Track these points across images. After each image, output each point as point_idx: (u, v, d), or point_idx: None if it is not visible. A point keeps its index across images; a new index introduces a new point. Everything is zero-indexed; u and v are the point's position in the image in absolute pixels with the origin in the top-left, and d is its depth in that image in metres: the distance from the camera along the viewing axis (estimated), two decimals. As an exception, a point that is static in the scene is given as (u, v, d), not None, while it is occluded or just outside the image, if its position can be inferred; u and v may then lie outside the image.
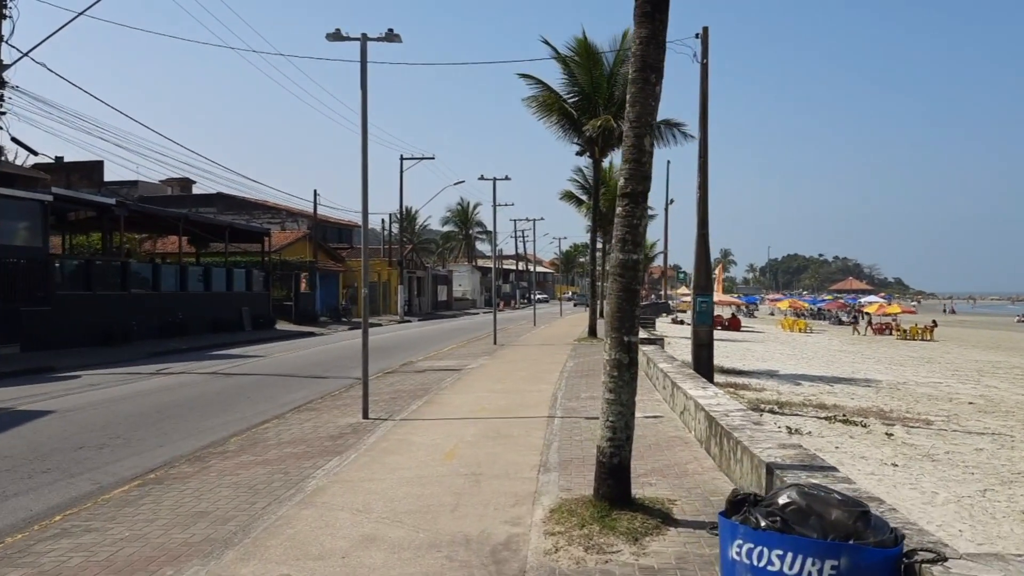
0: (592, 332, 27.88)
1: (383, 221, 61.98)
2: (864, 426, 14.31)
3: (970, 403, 18.66)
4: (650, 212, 68.37)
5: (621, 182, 5.99)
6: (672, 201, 67.57)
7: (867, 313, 62.29)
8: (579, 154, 27.62)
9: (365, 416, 11.33)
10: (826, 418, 15.00)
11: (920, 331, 47.73)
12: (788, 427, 13.53)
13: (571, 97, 26.80)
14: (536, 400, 12.88)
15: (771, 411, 15.58)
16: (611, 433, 5.93)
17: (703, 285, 15.83)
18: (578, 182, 42.76)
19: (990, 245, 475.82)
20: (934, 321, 52.09)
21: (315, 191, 46.41)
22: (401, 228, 57.06)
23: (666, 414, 10.93)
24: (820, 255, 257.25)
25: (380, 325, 45.73)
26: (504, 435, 9.69)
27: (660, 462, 7.92)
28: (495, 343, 26.94)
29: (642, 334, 22.05)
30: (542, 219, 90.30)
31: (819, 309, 75.95)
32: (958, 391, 21.02)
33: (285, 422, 11.66)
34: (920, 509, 8.92)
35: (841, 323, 69.26)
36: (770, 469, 5.51)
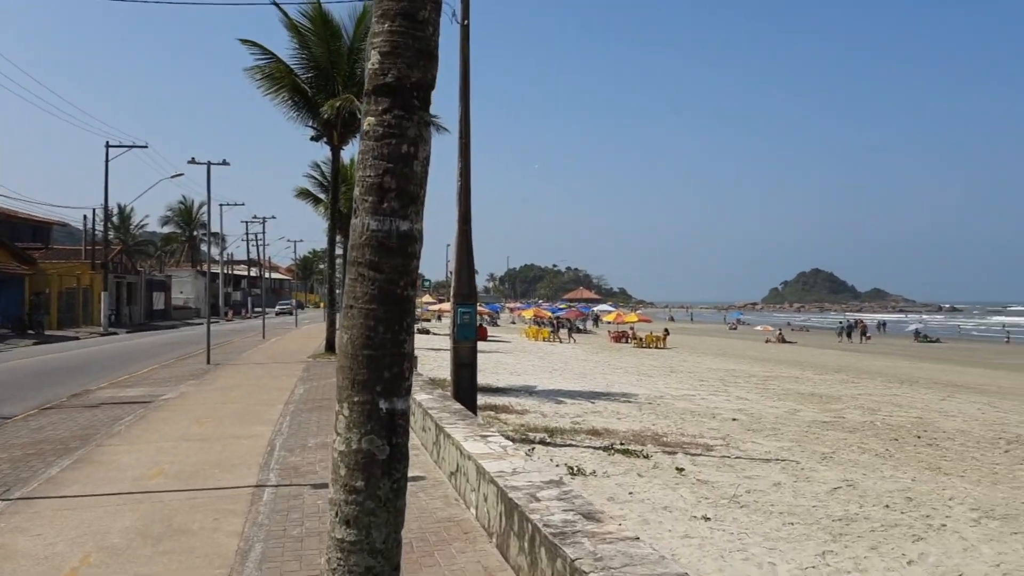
0: (330, 346, 24.26)
1: (85, 218, 53.43)
2: (647, 457, 12.30)
3: (734, 419, 17.63)
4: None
5: (373, 61, 2.85)
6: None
7: (568, 320, 64.67)
8: (315, 139, 23.84)
9: (-46, 498, 7.13)
10: (603, 448, 12.83)
11: (655, 339, 49.12)
12: (568, 465, 11.13)
13: (305, 72, 23.03)
14: (244, 452, 9.25)
15: (542, 441, 13.17)
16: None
17: (465, 293, 13.01)
18: (315, 178, 38.85)
19: (700, 258, 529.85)
20: (666, 330, 54.14)
21: (-9, 177, 38.17)
22: (106, 226, 49.23)
23: (429, 473, 7.87)
24: (554, 266, 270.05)
25: (77, 339, 38.58)
26: (178, 529, 6.08)
27: (431, 582, 4.82)
28: (208, 362, 22.42)
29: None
30: (274, 218, 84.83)
31: (558, 318, 77.34)
32: (716, 405, 20.15)
33: None
34: (769, 595, 6.64)
35: (579, 331, 70.90)
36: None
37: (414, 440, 9.43)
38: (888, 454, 13.95)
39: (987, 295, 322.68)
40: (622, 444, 13.32)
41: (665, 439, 14.34)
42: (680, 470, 11.43)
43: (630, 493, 9.89)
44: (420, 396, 9.86)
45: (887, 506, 9.93)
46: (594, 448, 12.92)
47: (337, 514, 2.86)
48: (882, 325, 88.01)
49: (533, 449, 12.30)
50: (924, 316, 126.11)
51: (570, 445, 13.11)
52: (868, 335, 65.19)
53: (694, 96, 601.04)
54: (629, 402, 20.03)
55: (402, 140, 2.81)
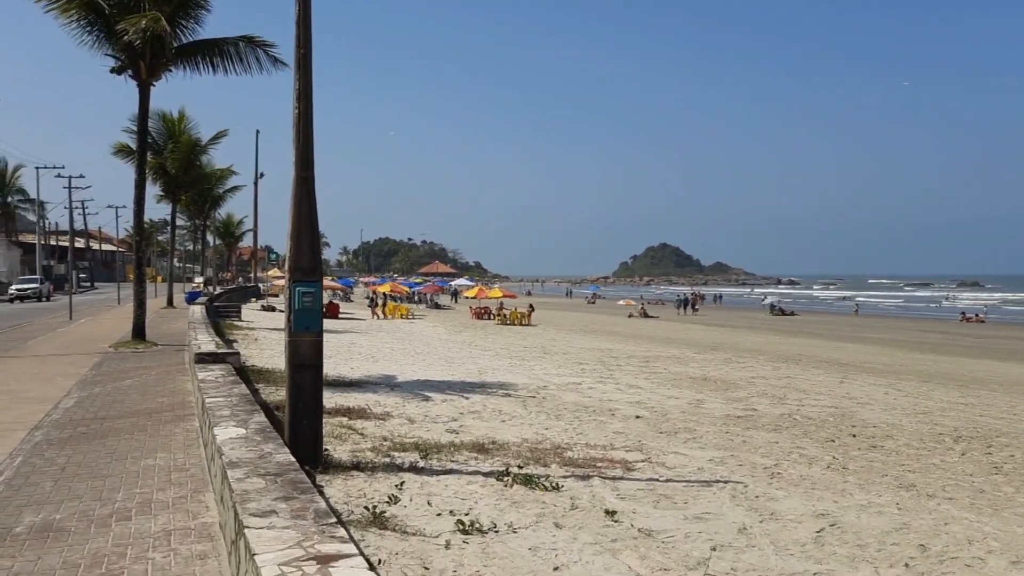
0: (139, 332, 19.63)
1: None
2: (557, 488, 9.05)
3: (637, 417, 14.83)
4: (238, 180, 59.46)
5: None
6: (263, 175, 59.86)
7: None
8: (116, 71, 18.94)
9: None
10: (497, 475, 9.48)
11: (519, 316, 46.46)
12: (456, 516, 7.66)
13: (100, -17, 18.14)
14: None
15: (413, 467, 9.65)
16: None
17: (307, 267, 9.16)
18: (135, 132, 33.19)
19: (552, 232, 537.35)
20: (531, 305, 51.65)
21: None
22: None
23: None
24: (409, 239, 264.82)
25: None
26: None
27: None
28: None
29: (208, 344, 14.65)
30: (82, 176, 77.97)
31: (415, 293, 73.81)
32: (609, 397, 17.32)
33: None
34: None
35: (438, 307, 67.71)
36: None
37: (207, 518, 5.62)
38: (840, 464, 11.40)
39: (812, 268, 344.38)
40: (520, 466, 10.03)
41: (569, 453, 11.18)
42: (611, 513, 8.21)
43: (555, 569, 6.57)
44: (227, 433, 6.03)
45: (906, 565, 7.12)
46: (484, 475, 9.56)
47: None
48: (718, 298, 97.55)
49: (403, 485, 8.78)
50: (774, 289, 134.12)
51: (451, 472, 9.68)
52: (697, 308, 70.85)
53: (546, 71, 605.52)
54: (510, 395, 16.86)
55: None
